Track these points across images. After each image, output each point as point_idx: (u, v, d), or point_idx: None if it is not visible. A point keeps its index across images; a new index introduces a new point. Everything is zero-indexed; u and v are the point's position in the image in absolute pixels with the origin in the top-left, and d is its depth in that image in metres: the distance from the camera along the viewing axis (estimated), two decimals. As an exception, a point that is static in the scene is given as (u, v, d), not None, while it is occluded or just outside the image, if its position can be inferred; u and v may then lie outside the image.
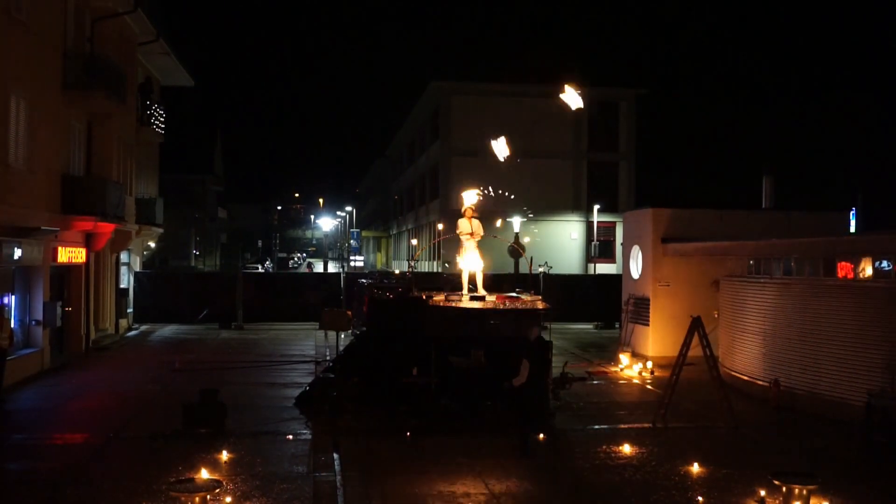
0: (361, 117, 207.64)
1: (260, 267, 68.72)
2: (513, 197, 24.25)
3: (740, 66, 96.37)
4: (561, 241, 40.07)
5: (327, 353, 21.79)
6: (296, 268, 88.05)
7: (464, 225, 16.53)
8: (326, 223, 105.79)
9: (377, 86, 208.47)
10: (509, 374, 12.74)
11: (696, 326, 14.67)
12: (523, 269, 18.82)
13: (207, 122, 64.03)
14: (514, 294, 17.29)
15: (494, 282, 20.26)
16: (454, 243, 17.26)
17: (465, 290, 16.88)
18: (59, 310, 20.31)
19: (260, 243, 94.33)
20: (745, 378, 17.84)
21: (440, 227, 37.04)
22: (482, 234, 16.82)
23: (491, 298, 16.34)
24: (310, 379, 17.12)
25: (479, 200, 16.91)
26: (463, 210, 16.72)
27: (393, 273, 36.10)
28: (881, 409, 13.29)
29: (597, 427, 14.55)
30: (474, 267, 16.77)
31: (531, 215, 35.06)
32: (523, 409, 12.68)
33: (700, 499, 10.44)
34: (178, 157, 46.26)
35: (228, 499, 10.02)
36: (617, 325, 26.90)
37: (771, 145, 69.57)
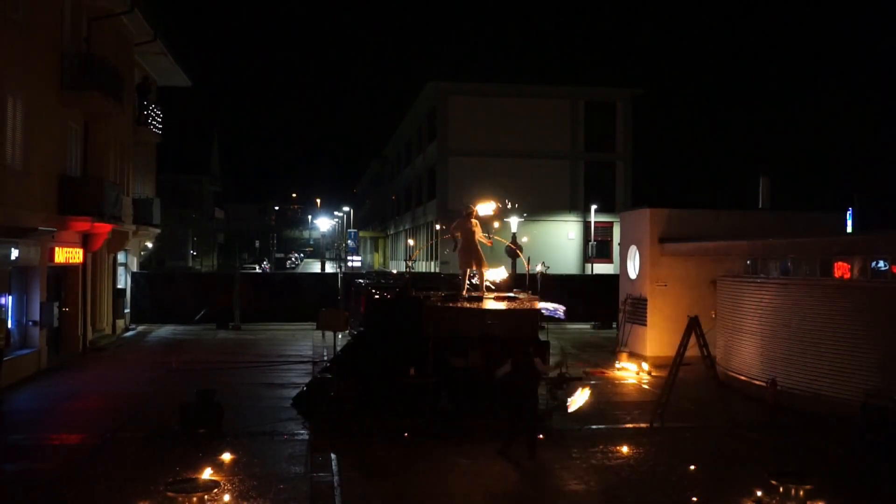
0: (359, 117, 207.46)
1: (257, 267, 68.70)
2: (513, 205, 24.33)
3: (737, 66, 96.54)
4: (558, 242, 40.07)
5: (325, 354, 21.77)
6: (293, 267, 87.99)
7: (465, 226, 16.52)
8: (324, 223, 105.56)
9: (374, 86, 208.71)
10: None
11: (693, 326, 14.68)
12: (521, 269, 18.89)
13: (205, 122, 64.12)
14: (511, 294, 17.31)
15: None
16: (451, 244, 17.25)
17: (464, 291, 16.87)
18: (55, 310, 20.28)
19: (257, 243, 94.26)
20: (743, 378, 17.86)
21: (438, 227, 37.01)
22: (482, 233, 16.81)
23: (489, 298, 16.34)
24: (307, 379, 17.10)
25: (496, 209, 17.07)
26: (469, 211, 16.68)
27: (390, 273, 36.08)
28: (877, 408, 13.33)
29: (594, 427, 14.55)
30: (476, 267, 16.75)
31: (525, 215, 35.03)
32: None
33: (697, 499, 10.47)
34: (175, 157, 46.23)
35: (226, 498, 10.02)
36: (614, 326, 26.88)
37: (768, 145, 69.77)
